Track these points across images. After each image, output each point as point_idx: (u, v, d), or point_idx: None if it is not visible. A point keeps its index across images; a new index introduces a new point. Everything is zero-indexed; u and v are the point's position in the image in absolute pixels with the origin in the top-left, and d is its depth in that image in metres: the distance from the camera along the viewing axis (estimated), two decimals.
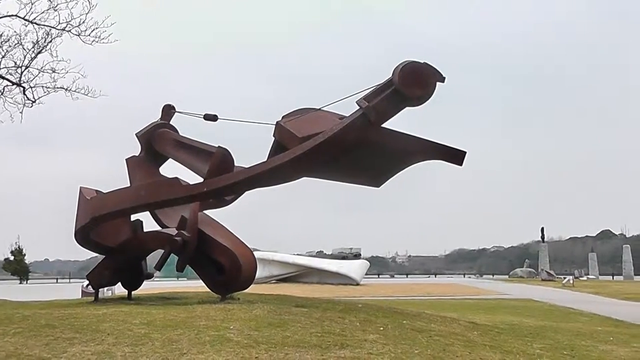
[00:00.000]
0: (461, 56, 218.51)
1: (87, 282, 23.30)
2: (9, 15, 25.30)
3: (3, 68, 26.54)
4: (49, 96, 26.84)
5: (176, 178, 15.98)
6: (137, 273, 18.31)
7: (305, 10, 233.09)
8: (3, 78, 26.57)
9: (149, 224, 18.08)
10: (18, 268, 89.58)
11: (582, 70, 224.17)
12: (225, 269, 16.15)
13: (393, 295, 41.99)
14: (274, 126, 14.90)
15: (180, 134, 18.77)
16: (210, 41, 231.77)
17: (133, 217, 17.89)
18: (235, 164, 15.90)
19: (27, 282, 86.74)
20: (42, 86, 26.46)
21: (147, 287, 22.37)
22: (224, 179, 15.00)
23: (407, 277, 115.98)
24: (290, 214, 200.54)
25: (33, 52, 26.24)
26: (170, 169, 18.60)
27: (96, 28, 25.51)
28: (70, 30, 25.56)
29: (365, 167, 14.59)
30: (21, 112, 26.64)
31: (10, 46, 26.25)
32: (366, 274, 66.91)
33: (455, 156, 13.97)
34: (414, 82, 12.01)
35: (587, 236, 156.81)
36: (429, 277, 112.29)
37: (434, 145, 13.84)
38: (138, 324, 11.65)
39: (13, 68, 26.47)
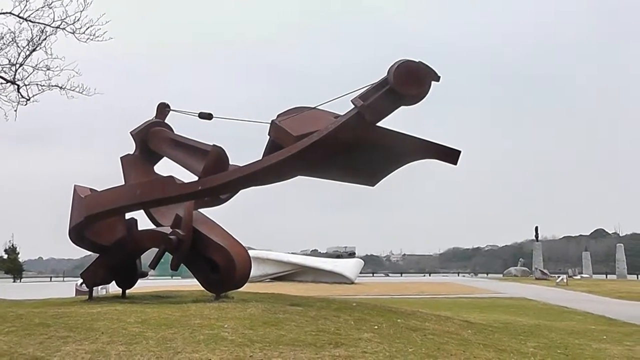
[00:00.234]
0: (456, 55, 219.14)
1: (81, 280, 23.32)
2: (3, 13, 25.21)
3: None
4: (44, 94, 26.76)
5: (171, 176, 15.98)
6: (131, 272, 18.32)
7: (300, 9, 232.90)
8: None
9: (144, 222, 18.10)
10: (12, 266, 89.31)
11: (575, 70, 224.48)
12: (219, 268, 16.16)
13: (387, 294, 41.94)
14: (269, 125, 14.89)
15: (175, 132, 18.76)
16: (206, 40, 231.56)
17: (127, 216, 17.89)
18: (230, 162, 15.91)
19: (20, 281, 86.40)
20: (37, 84, 26.38)
21: (141, 286, 22.32)
22: (219, 178, 15.00)
23: (401, 275, 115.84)
24: (284, 213, 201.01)
25: (27, 49, 26.15)
26: (165, 167, 18.61)
27: (91, 26, 25.44)
28: (64, 28, 25.48)
29: (360, 166, 14.60)
30: (15, 110, 26.56)
31: (4, 44, 26.16)
32: (361, 273, 66.91)
33: (450, 155, 14.00)
34: (409, 81, 12.03)
35: (580, 235, 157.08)
36: (423, 275, 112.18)
37: (429, 144, 13.85)
38: (132, 323, 11.65)
39: (7, 66, 26.39)
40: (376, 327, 12.38)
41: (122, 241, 17.47)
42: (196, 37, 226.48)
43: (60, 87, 26.20)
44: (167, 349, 9.58)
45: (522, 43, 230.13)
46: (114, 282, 18.80)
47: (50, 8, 25.18)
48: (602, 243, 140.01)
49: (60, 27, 25.47)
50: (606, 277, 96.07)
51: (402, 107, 12.62)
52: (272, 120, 14.86)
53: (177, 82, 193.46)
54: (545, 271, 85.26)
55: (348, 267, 61.65)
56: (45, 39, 25.98)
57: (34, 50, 26.15)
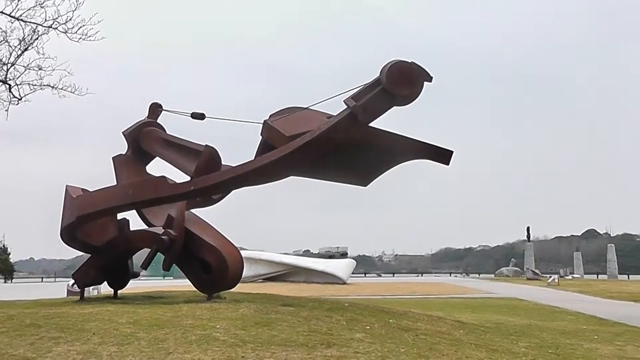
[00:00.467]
0: (456, 55, 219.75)
1: (72, 281, 23.24)
2: None
3: None
4: (36, 94, 26.69)
5: (163, 177, 15.96)
6: (123, 272, 18.29)
7: (297, 10, 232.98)
8: None
9: (136, 222, 18.07)
10: (3, 267, 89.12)
11: (574, 70, 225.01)
12: (212, 268, 16.16)
13: (379, 294, 41.98)
14: (262, 125, 14.88)
15: (168, 132, 18.75)
16: (200, 40, 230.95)
17: (119, 216, 17.86)
18: (223, 162, 15.90)
19: (12, 281, 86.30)
20: (29, 84, 26.30)
21: (133, 286, 22.30)
22: (211, 178, 14.98)
23: (393, 276, 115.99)
24: (277, 213, 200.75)
25: (19, 49, 26.07)
26: (158, 167, 18.58)
27: (83, 26, 25.38)
28: (56, 28, 25.42)
29: (353, 166, 14.61)
30: (7, 110, 26.48)
31: None
32: (353, 273, 66.99)
33: (443, 155, 14.03)
34: (402, 82, 12.05)
35: (572, 235, 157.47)
36: (416, 276, 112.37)
37: (421, 144, 13.88)
38: (124, 323, 11.63)
39: None
40: (368, 327, 12.39)
41: (113, 241, 17.44)
42: (194, 37, 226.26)
43: (52, 87, 26.14)
44: (158, 350, 9.57)
45: (522, 43, 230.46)
46: (105, 282, 18.76)
47: (42, 7, 25.12)
48: (594, 243, 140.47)
49: (52, 26, 25.41)
50: (597, 277, 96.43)
51: (395, 107, 12.63)
52: (265, 121, 14.84)
53: (174, 82, 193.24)
54: (537, 271, 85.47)
55: (340, 267, 61.69)
56: (37, 38, 25.92)
57: (25, 49, 26.09)
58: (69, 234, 17.12)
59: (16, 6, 25.06)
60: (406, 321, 14.19)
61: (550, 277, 69.98)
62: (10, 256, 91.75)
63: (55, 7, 25.12)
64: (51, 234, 18.56)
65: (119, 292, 18.70)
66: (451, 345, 11.51)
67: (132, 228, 18.01)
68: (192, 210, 17.69)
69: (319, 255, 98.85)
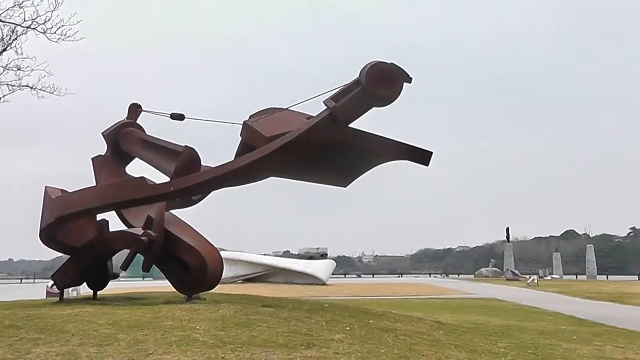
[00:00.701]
0: (429, 56, 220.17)
1: (52, 282, 23.16)
2: None
3: None
4: (14, 94, 26.51)
5: (142, 177, 15.91)
6: (102, 273, 18.20)
7: (273, 10, 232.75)
8: None
9: (115, 223, 18.00)
10: None
11: (549, 70, 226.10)
12: (191, 269, 16.12)
13: (359, 295, 42.10)
14: (241, 126, 14.88)
15: (147, 133, 18.71)
16: (178, 40, 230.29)
17: (99, 217, 17.79)
18: (202, 163, 15.88)
19: None
20: (7, 84, 26.12)
21: (112, 287, 22.23)
22: (191, 179, 14.96)
23: (373, 277, 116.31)
24: (256, 214, 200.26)
25: None
26: (137, 168, 18.53)
27: (62, 26, 25.24)
28: (35, 28, 25.28)
29: (332, 167, 14.64)
30: None
31: None
32: (333, 274, 67.12)
33: (422, 156, 14.09)
34: (381, 83, 12.05)
35: (551, 236, 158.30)
36: (396, 277, 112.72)
37: (401, 145, 13.93)
38: (103, 325, 11.59)
39: None
40: (348, 328, 12.42)
41: (93, 242, 17.36)
42: (168, 38, 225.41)
43: (31, 87, 25.97)
44: (138, 351, 9.54)
45: (503, 43, 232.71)
46: (85, 283, 18.69)
47: (21, 8, 24.93)
48: (572, 244, 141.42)
49: (31, 27, 25.25)
50: (576, 277, 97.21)
51: (374, 108, 12.65)
52: (244, 121, 14.84)
53: (148, 82, 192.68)
54: (516, 272, 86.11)
55: (320, 268, 61.82)
56: (16, 38, 25.76)
57: (4, 50, 25.89)
58: (48, 235, 17.04)
59: None
60: (386, 322, 14.23)
61: (530, 277, 70.52)
62: None
63: (34, 7, 24.98)
64: (30, 235, 18.49)
65: (98, 293, 18.62)
66: (431, 345, 11.55)
67: (111, 229, 17.95)
68: (172, 211, 17.65)
69: (299, 256, 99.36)
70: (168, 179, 15.71)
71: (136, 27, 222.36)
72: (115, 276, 19.04)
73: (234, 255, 59.18)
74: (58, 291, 18.65)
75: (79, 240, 17.34)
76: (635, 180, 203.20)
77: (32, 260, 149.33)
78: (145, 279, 74.14)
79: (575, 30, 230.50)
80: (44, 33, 25.14)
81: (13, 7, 24.88)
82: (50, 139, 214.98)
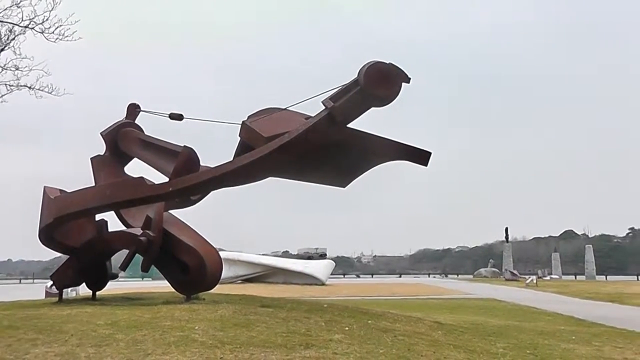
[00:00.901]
0: (431, 57, 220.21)
1: (51, 282, 23.13)
2: None
3: None
4: (12, 94, 26.51)
5: (141, 177, 15.90)
6: (101, 273, 18.19)
7: (273, 10, 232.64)
8: None
9: (114, 223, 18.00)
10: None
11: (548, 70, 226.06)
12: (190, 269, 16.10)
13: (358, 295, 42.07)
14: (240, 126, 14.87)
15: (146, 133, 18.71)
16: (178, 40, 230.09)
17: (98, 217, 17.78)
18: (201, 163, 15.88)
19: None
20: (5, 84, 26.13)
21: (111, 288, 22.19)
22: (190, 179, 14.95)
23: (372, 277, 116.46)
24: (255, 214, 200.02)
25: None
26: (136, 168, 18.52)
27: (60, 25, 25.24)
28: (33, 28, 25.28)
29: (331, 167, 14.64)
30: None
31: None
32: (332, 274, 67.12)
33: (421, 157, 14.08)
34: (380, 83, 12.05)
35: (550, 236, 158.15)
36: (398, 276, 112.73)
37: (400, 145, 13.92)
38: (102, 325, 11.58)
39: None
40: (347, 328, 12.42)
41: (91, 242, 17.34)
42: (167, 38, 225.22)
43: (29, 87, 25.97)
44: (137, 351, 9.53)
45: (503, 43, 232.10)
46: (84, 284, 18.68)
47: (19, 7, 24.96)
48: (571, 244, 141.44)
49: (29, 26, 25.25)
50: (575, 278, 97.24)
51: (373, 108, 12.65)
52: (243, 121, 14.84)
53: (147, 82, 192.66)
54: (515, 272, 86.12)
55: (319, 268, 61.83)
56: (13, 38, 25.76)
57: (2, 50, 25.91)
58: (47, 235, 17.02)
59: None
60: (385, 322, 14.24)
61: (529, 277, 70.51)
62: None
63: (32, 7, 24.98)
64: (29, 235, 18.48)
65: (97, 293, 18.60)
66: (430, 345, 11.56)
67: (110, 229, 17.94)
68: (171, 211, 17.64)
69: (298, 256, 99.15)
70: (167, 179, 15.70)
71: (135, 27, 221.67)
72: (114, 276, 19.03)
73: (233, 256, 59.13)
74: (57, 291, 18.63)
75: (77, 240, 17.33)
76: (635, 180, 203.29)
77: (31, 260, 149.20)
78: (144, 279, 74.16)
79: (575, 30, 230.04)
80: (42, 33, 25.18)
81: (11, 6, 24.93)
82: (48, 139, 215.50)
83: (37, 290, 39.51)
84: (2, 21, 25.36)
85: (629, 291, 47.66)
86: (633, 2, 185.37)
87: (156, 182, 15.76)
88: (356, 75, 12.12)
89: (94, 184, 17.94)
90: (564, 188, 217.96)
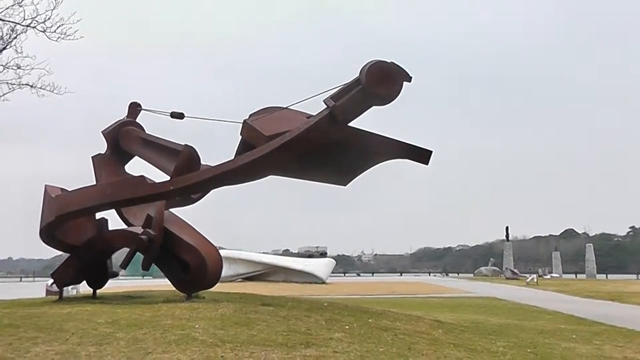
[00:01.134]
0: (430, 55, 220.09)
1: (51, 280, 23.12)
2: None
3: None
4: (14, 93, 26.50)
5: (142, 176, 15.91)
6: (102, 271, 18.20)
7: (273, 9, 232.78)
8: None
9: (115, 222, 18.00)
10: None
11: (548, 70, 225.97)
12: (190, 268, 16.10)
13: (359, 294, 42.02)
14: (241, 124, 14.88)
15: (147, 131, 18.72)
16: (178, 40, 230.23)
17: (98, 215, 17.78)
18: (202, 162, 15.88)
19: None
20: (7, 83, 26.10)
21: (112, 286, 22.22)
22: (191, 178, 14.96)
23: (372, 275, 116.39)
24: (256, 213, 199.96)
25: None
26: (137, 167, 18.53)
27: (62, 25, 25.23)
28: (35, 27, 25.27)
29: (332, 166, 14.66)
30: None
31: None
32: (332, 273, 67.14)
33: (422, 155, 14.10)
34: (381, 82, 12.06)
35: (550, 235, 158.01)
36: (400, 275, 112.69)
37: (401, 144, 13.94)
38: (103, 323, 11.58)
39: None
40: (347, 327, 12.43)
41: (92, 241, 17.36)
42: (169, 38, 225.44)
43: (31, 86, 25.95)
44: (137, 350, 9.54)
45: (502, 43, 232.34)
46: (84, 282, 18.68)
47: (21, 6, 24.92)
48: (572, 243, 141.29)
49: (31, 25, 25.24)
50: (576, 276, 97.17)
51: (374, 107, 12.65)
52: (244, 120, 14.85)
53: (148, 82, 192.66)
54: (516, 271, 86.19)
55: (319, 267, 61.81)
56: (15, 37, 25.74)
57: (4, 48, 25.88)
58: (48, 233, 17.04)
59: None
60: (385, 321, 14.24)
61: (529, 276, 70.42)
62: None
63: (34, 6, 24.97)
64: (30, 234, 18.48)
65: (97, 291, 18.60)
66: (430, 344, 11.56)
67: (111, 227, 17.95)
68: (172, 210, 17.64)
69: (299, 255, 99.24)
70: (168, 178, 15.71)
71: (136, 26, 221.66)
72: (114, 275, 19.05)
73: (233, 254, 59.13)
74: (58, 290, 18.65)
75: (78, 238, 17.34)
76: (635, 180, 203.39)
77: (32, 258, 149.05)
78: (145, 277, 74.03)
79: (575, 30, 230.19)
80: (43, 32, 25.12)
81: (13, 5, 24.87)
82: (50, 138, 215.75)
83: (38, 288, 39.56)
84: (4, 20, 25.35)
85: (629, 290, 47.63)
86: (633, 2, 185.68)
87: (157, 181, 15.76)
88: (357, 74, 12.13)
89: (95, 183, 17.94)
90: (564, 187, 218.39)
